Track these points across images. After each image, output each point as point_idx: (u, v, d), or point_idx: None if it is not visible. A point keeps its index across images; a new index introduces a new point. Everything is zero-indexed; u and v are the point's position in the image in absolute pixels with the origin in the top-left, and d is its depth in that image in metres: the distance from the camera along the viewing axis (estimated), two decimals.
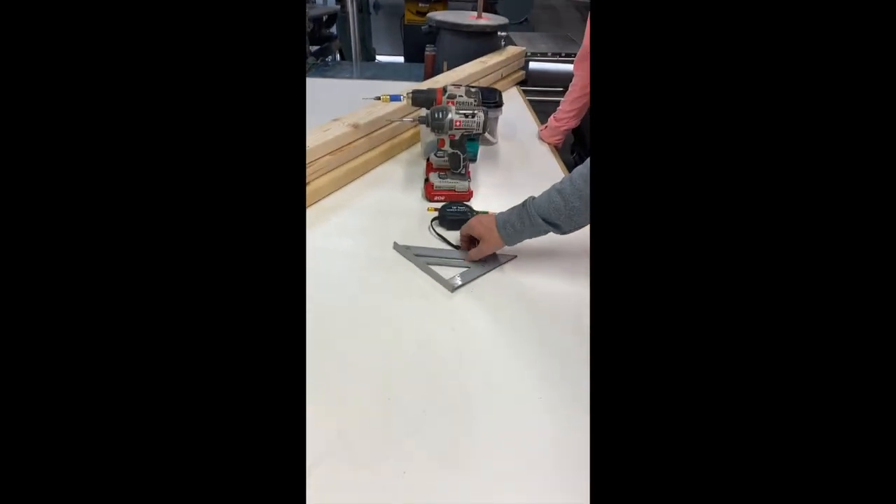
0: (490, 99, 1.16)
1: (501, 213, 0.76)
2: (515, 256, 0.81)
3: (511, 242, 0.76)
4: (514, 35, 2.14)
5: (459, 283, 0.74)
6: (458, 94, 0.92)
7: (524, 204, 0.74)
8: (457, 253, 0.82)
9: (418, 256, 0.79)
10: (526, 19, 3.05)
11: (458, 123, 0.90)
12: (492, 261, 0.79)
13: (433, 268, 0.77)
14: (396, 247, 0.81)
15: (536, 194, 0.73)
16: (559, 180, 0.71)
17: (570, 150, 2.10)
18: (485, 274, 0.77)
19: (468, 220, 0.88)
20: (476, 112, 0.90)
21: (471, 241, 0.80)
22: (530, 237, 0.74)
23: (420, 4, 3.33)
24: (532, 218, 0.71)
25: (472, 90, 0.93)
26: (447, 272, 0.76)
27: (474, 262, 0.78)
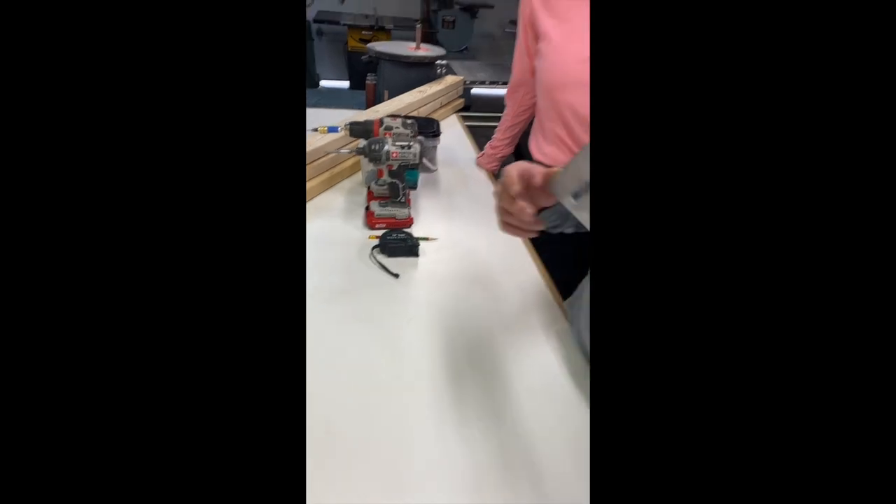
0: (428, 129, 1.21)
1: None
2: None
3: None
4: (454, 64, 2.23)
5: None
6: (395, 125, 0.95)
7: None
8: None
9: None
10: (466, 48, 3.17)
11: (394, 154, 0.93)
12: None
13: None
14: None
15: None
16: None
17: None
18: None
19: (408, 246, 0.91)
20: (412, 143, 0.94)
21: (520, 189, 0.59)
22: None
23: (363, 32, 3.39)
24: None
25: (408, 122, 0.97)
26: None
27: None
